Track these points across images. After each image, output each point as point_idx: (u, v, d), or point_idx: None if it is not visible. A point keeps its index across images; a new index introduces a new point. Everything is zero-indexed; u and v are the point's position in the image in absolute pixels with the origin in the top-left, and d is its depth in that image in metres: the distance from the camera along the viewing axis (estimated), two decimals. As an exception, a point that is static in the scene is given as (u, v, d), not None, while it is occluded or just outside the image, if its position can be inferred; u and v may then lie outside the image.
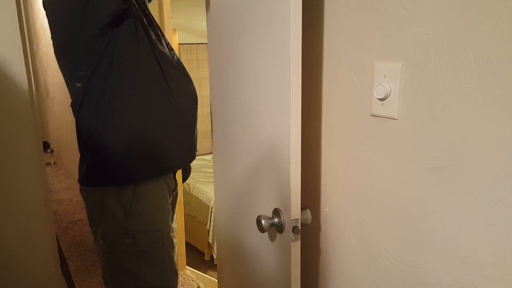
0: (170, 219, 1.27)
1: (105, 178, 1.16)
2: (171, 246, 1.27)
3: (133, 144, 1.14)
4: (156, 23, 1.29)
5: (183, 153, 1.26)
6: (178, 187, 2.45)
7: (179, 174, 2.41)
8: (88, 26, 1.05)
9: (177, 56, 1.27)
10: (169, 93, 1.17)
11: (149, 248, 1.20)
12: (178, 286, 2.43)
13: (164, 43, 1.25)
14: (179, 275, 2.59)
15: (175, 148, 1.22)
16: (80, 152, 1.20)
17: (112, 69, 1.09)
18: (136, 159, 1.15)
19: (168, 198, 1.29)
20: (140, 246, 1.19)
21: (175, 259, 1.30)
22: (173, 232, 1.42)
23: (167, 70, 1.17)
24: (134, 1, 1.17)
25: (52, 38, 1.13)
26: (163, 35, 1.28)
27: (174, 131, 1.20)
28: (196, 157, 4.69)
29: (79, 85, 1.11)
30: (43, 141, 5.31)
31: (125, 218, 1.17)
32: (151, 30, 1.19)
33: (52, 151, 4.89)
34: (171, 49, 1.27)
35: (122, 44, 1.08)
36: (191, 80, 1.29)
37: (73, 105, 1.15)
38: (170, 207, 1.31)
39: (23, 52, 1.26)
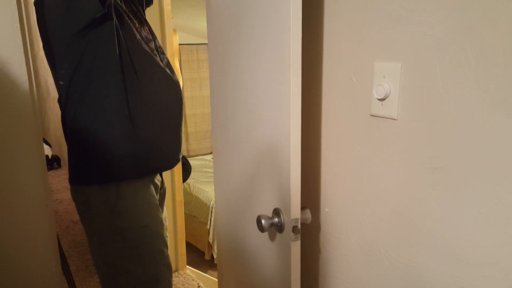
0: (159, 214, 1.28)
1: (89, 177, 1.18)
2: (162, 241, 1.28)
3: (114, 145, 1.15)
4: (149, 26, 1.30)
5: (162, 156, 1.27)
6: (178, 187, 2.47)
7: (174, 174, 2.42)
8: (68, 26, 1.07)
9: (166, 59, 1.28)
10: (144, 95, 1.18)
11: (137, 244, 1.22)
12: (179, 285, 2.43)
13: (154, 46, 1.26)
14: (179, 275, 2.60)
15: (155, 151, 1.23)
16: (68, 151, 1.22)
17: (94, 70, 1.10)
18: (117, 159, 1.16)
19: (155, 194, 1.29)
20: (129, 243, 1.20)
21: (167, 253, 1.30)
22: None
23: (142, 72, 1.18)
24: (123, 4, 1.18)
25: (40, 35, 1.15)
26: (154, 38, 1.29)
27: (151, 135, 1.21)
28: (196, 157, 4.66)
29: (62, 83, 1.13)
30: (54, 155, 5.21)
31: (111, 216, 1.18)
32: (140, 31, 1.20)
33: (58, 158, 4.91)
34: (162, 53, 1.28)
35: (103, 46, 1.10)
36: (178, 83, 1.30)
37: (59, 103, 1.17)
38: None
39: (24, 52, 1.27)
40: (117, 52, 1.12)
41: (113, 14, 1.11)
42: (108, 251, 1.22)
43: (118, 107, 1.14)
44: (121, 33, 1.12)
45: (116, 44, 1.11)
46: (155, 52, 1.24)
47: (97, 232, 1.21)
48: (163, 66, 1.24)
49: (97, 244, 1.22)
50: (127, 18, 1.17)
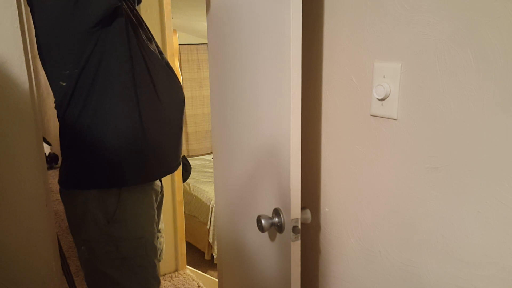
0: (154, 226, 1.25)
1: (89, 181, 1.13)
2: (154, 253, 1.25)
3: (121, 147, 1.11)
4: (146, 25, 1.28)
5: (168, 159, 1.24)
6: (178, 187, 2.47)
7: (174, 174, 2.42)
8: (77, 24, 1.02)
9: (166, 60, 1.25)
10: (155, 97, 1.15)
11: (131, 256, 1.18)
12: (179, 285, 2.44)
13: (155, 46, 1.23)
14: (179, 275, 2.60)
15: (161, 154, 1.20)
16: (62, 153, 1.17)
17: (101, 70, 1.06)
18: (122, 162, 1.13)
19: (154, 203, 1.27)
20: (123, 253, 1.16)
21: (157, 266, 1.27)
22: (160, 232, 1.42)
23: (155, 73, 1.15)
24: (123, 2, 1.16)
25: (36, 35, 1.10)
26: (152, 38, 1.27)
27: (160, 137, 1.18)
28: (196, 157, 4.67)
29: (64, 84, 1.08)
30: (51, 153, 5.18)
31: (108, 225, 1.14)
32: (141, 31, 1.18)
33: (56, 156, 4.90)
34: (160, 53, 1.25)
35: (111, 44, 1.06)
36: (180, 84, 1.27)
37: (58, 104, 1.12)
38: (156, 211, 1.29)
39: (24, 52, 1.27)
40: (128, 51, 1.08)
41: (123, 11, 1.08)
42: (99, 260, 1.17)
43: (128, 109, 1.10)
44: (131, 32, 1.09)
45: (127, 42, 1.08)
46: (156, 52, 1.23)
47: (89, 241, 1.16)
48: (166, 68, 1.22)
49: (88, 253, 1.18)
50: (132, 17, 1.14)
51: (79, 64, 1.06)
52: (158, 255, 1.39)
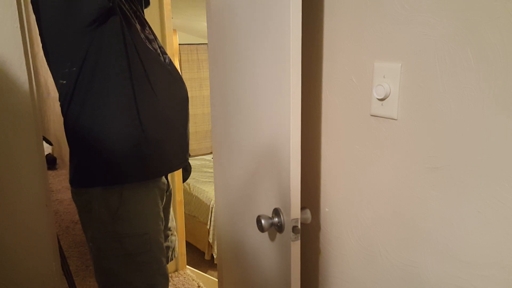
0: (160, 223, 1.26)
1: (91, 179, 1.15)
2: (160, 250, 1.26)
3: (121, 145, 1.13)
4: (149, 26, 1.29)
5: (169, 157, 1.24)
6: (178, 187, 2.47)
7: (174, 174, 2.41)
8: (73, 22, 1.04)
9: (169, 59, 1.26)
10: (152, 95, 1.16)
11: (136, 252, 1.19)
12: (179, 285, 2.43)
13: (157, 46, 1.24)
14: (179, 275, 2.60)
15: (161, 152, 1.21)
16: (69, 152, 1.19)
17: (98, 69, 1.08)
18: (122, 160, 1.14)
19: (160, 201, 1.27)
20: (127, 250, 1.18)
21: (165, 263, 1.28)
22: (170, 230, 1.42)
23: (151, 72, 1.16)
24: (125, 3, 1.16)
25: (39, 34, 1.13)
26: (155, 38, 1.28)
27: (159, 135, 1.19)
28: (196, 157, 4.68)
29: (64, 82, 1.10)
30: (49, 154, 5.16)
31: (112, 222, 1.16)
32: (141, 31, 1.18)
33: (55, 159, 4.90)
34: (164, 53, 1.26)
35: (107, 43, 1.07)
36: (183, 83, 1.27)
37: (61, 103, 1.14)
38: (163, 208, 1.30)
39: (24, 52, 1.27)
40: (124, 50, 1.09)
41: (118, 10, 1.09)
42: (105, 257, 1.20)
43: (126, 107, 1.11)
44: (126, 31, 1.10)
45: (122, 41, 1.09)
46: (158, 51, 1.24)
47: (96, 237, 1.19)
48: (167, 68, 1.23)
49: (95, 249, 1.20)
50: (130, 17, 1.15)
51: (77, 63, 1.07)
52: (171, 253, 1.39)
